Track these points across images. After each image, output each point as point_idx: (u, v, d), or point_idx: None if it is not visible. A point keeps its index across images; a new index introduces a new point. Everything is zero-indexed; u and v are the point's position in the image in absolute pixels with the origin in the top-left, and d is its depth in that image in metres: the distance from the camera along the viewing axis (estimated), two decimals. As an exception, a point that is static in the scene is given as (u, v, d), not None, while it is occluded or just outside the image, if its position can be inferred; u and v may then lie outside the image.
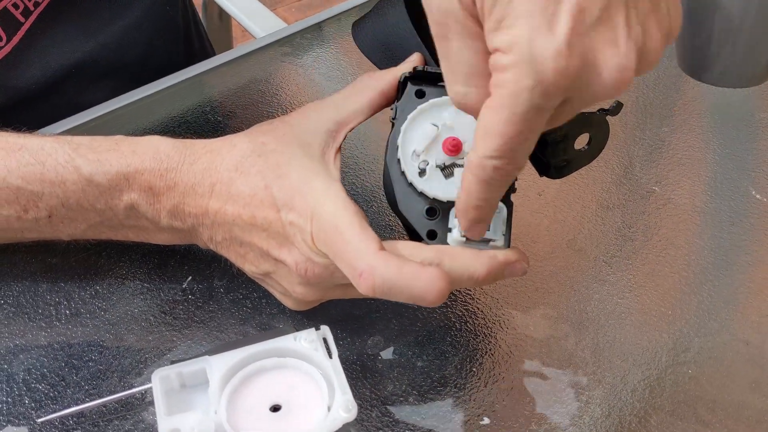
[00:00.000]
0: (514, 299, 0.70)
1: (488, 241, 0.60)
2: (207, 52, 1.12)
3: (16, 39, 0.82)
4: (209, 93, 0.91)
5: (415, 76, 0.64)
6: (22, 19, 0.82)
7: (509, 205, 0.61)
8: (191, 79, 0.92)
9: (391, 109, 0.64)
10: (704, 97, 0.89)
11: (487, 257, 0.59)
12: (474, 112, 0.51)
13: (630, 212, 0.78)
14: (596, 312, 0.70)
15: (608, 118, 0.65)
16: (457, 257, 0.58)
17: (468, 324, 0.69)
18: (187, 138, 0.82)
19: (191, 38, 1.06)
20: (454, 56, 0.50)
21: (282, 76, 0.94)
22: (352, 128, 0.65)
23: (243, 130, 0.83)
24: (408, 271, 0.55)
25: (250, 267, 0.64)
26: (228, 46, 1.39)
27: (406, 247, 0.59)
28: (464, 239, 0.60)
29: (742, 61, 0.89)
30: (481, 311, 0.70)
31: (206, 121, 0.86)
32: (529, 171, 0.78)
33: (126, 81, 0.92)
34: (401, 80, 0.64)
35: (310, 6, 2.49)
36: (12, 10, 0.81)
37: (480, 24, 0.48)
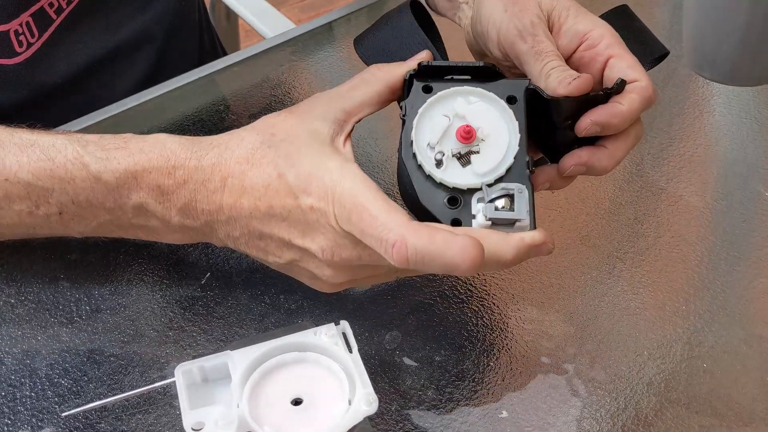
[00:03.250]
0: (529, 295, 0.71)
1: (514, 222, 0.60)
2: (217, 51, 1.12)
3: (45, 36, 0.83)
4: (223, 92, 0.92)
5: (421, 72, 0.65)
6: (54, 17, 0.83)
7: (530, 187, 0.61)
8: (205, 77, 0.92)
9: (400, 107, 0.64)
10: (714, 95, 0.90)
11: (515, 240, 0.58)
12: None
13: (642, 209, 0.79)
14: (611, 307, 0.70)
15: None
16: (485, 240, 0.57)
17: (484, 319, 0.69)
18: (203, 134, 0.84)
19: (203, 35, 1.07)
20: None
21: (294, 76, 0.94)
22: (360, 119, 0.65)
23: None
24: (440, 239, 0.56)
25: (274, 258, 0.64)
26: (235, 45, 1.40)
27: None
28: (489, 223, 0.60)
29: (752, 59, 0.89)
30: (497, 306, 0.70)
31: (220, 120, 0.87)
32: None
33: (144, 76, 0.93)
34: (407, 78, 0.65)
35: (312, 6, 2.49)
36: (47, 8, 0.82)
37: None
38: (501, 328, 0.69)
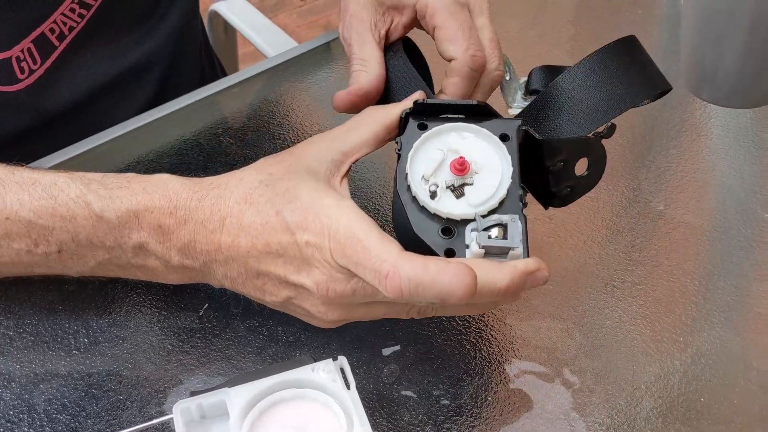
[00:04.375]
0: (527, 325, 0.71)
1: (507, 251, 0.60)
2: (216, 73, 1.12)
3: (48, 62, 0.83)
4: (221, 114, 0.92)
5: (416, 111, 0.66)
6: (56, 43, 0.83)
7: (523, 219, 0.62)
8: (202, 100, 0.92)
9: (396, 142, 0.65)
10: (711, 117, 0.90)
11: (508, 267, 0.59)
12: None
13: (640, 236, 0.79)
14: (608, 339, 0.71)
15: (613, 140, 0.66)
16: (478, 268, 0.57)
17: (482, 351, 0.70)
18: (200, 160, 0.85)
19: (203, 59, 1.07)
20: None
21: (292, 97, 0.94)
22: (357, 159, 0.66)
23: (255, 152, 0.85)
24: (433, 267, 0.56)
25: (270, 297, 0.64)
26: (233, 59, 1.39)
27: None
28: (483, 252, 0.60)
29: (750, 81, 0.89)
30: (495, 338, 0.70)
31: (218, 144, 0.87)
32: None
33: (147, 101, 0.93)
34: (402, 116, 0.66)
35: (311, 11, 2.49)
36: (48, 34, 0.82)
37: None
38: (498, 361, 0.69)
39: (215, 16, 1.34)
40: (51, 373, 0.68)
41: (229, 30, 1.36)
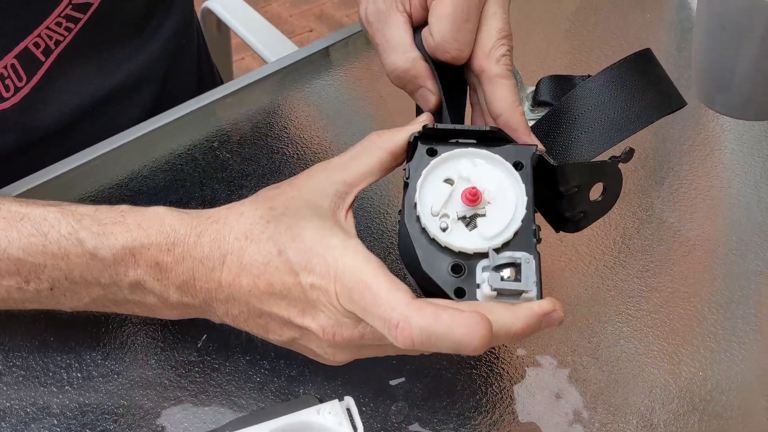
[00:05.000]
0: (539, 359, 0.68)
1: (520, 293, 0.57)
2: (215, 81, 1.09)
3: (35, 79, 0.79)
4: (216, 125, 0.88)
5: (425, 135, 0.62)
6: (42, 59, 0.79)
7: (537, 256, 0.59)
8: (197, 111, 0.88)
9: (404, 169, 0.62)
10: (725, 131, 0.87)
11: (522, 310, 0.56)
12: None
13: (654, 259, 0.76)
14: (624, 373, 0.68)
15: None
16: (491, 313, 0.54)
17: (493, 386, 0.67)
18: (196, 175, 0.81)
19: (202, 68, 1.03)
20: None
21: (290, 107, 0.91)
22: (362, 189, 0.62)
23: (252, 167, 0.82)
24: (446, 318, 0.53)
25: (274, 336, 0.61)
26: (227, 57, 1.36)
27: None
28: (495, 294, 0.57)
29: (765, 92, 0.86)
30: (507, 372, 0.68)
31: (215, 158, 0.84)
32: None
33: (141, 117, 0.89)
34: (411, 140, 0.62)
35: (304, 0, 2.45)
36: (33, 49, 0.78)
37: None
38: (511, 397, 0.66)
39: (208, 13, 1.31)
40: (43, 411, 0.65)
41: (222, 27, 1.32)
